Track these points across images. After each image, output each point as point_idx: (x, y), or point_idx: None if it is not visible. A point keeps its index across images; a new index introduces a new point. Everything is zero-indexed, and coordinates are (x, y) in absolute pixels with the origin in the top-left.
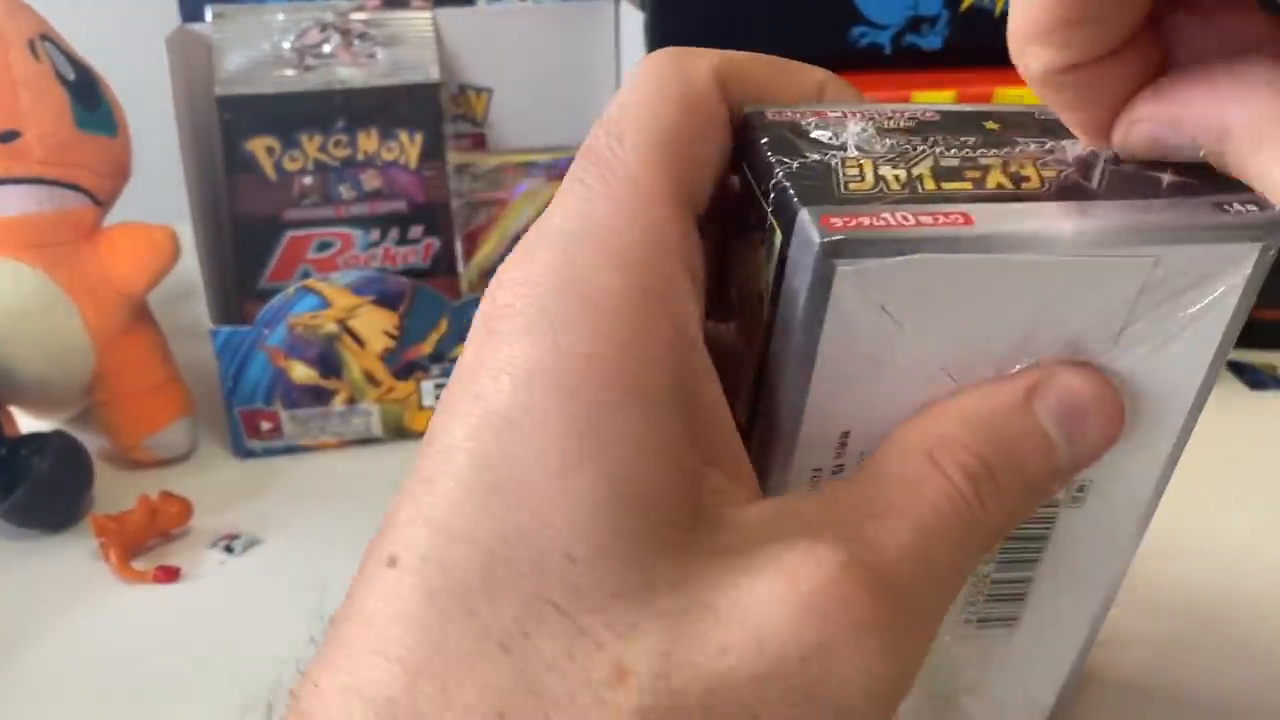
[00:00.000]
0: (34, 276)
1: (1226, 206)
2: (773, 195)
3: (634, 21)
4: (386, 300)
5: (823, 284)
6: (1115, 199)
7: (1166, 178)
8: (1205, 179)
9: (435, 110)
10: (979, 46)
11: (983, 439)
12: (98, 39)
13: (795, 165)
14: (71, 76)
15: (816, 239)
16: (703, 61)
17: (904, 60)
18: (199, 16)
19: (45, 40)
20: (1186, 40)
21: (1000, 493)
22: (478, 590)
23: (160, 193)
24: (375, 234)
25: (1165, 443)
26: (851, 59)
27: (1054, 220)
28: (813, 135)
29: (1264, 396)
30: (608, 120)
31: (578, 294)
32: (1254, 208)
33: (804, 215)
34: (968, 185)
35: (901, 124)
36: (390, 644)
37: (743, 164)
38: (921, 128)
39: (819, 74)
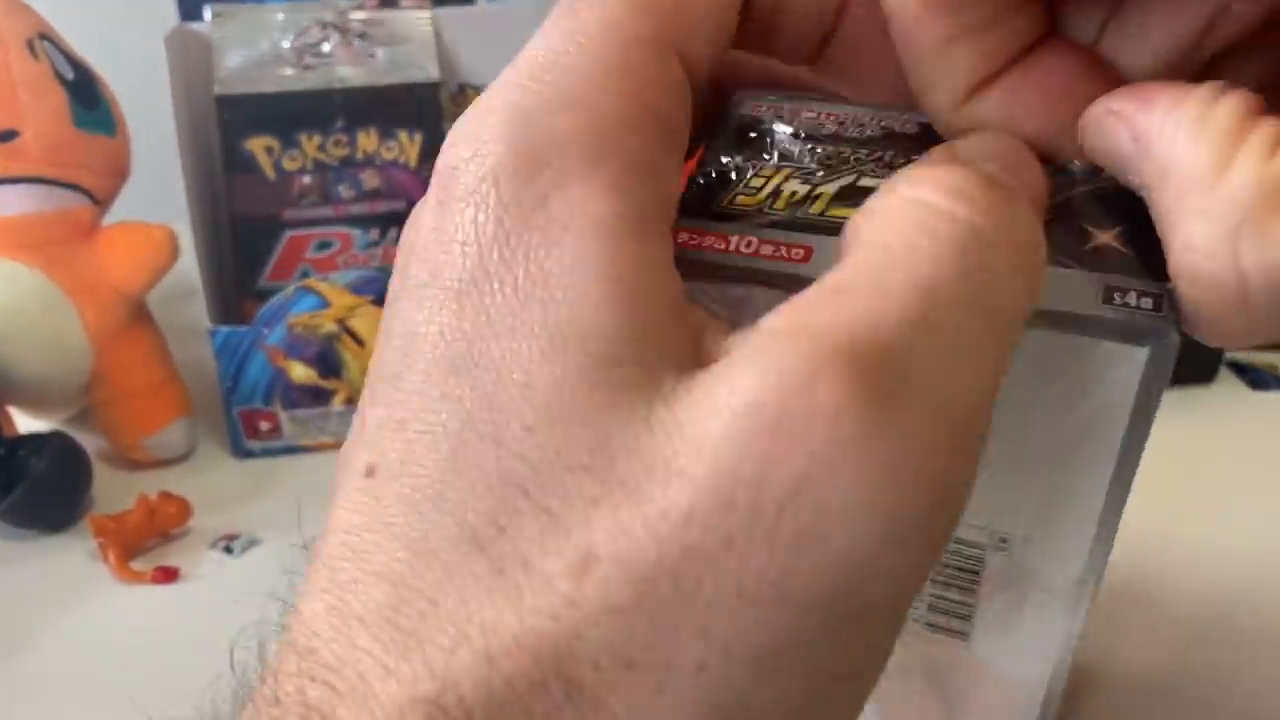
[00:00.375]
0: (32, 276)
1: (1120, 295)
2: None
3: None
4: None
5: None
6: None
7: (1102, 237)
8: (1138, 243)
9: (435, 110)
10: None
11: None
12: (96, 38)
13: (711, 169)
14: (70, 76)
15: None
16: None
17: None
18: (198, 15)
19: (44, 39)
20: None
21: (1008, 197)
22: (452, 486)
23: (159, 192)
24: (374, 233)
25: (1087, 523)
26: None
27: None
28: (759, 134)
29: (1265, 396)
30: None
31: (524, 138)
32: (1148, 302)
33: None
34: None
35: (868, 132)
36: (376, 560)
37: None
38: (884, 141)
39: None
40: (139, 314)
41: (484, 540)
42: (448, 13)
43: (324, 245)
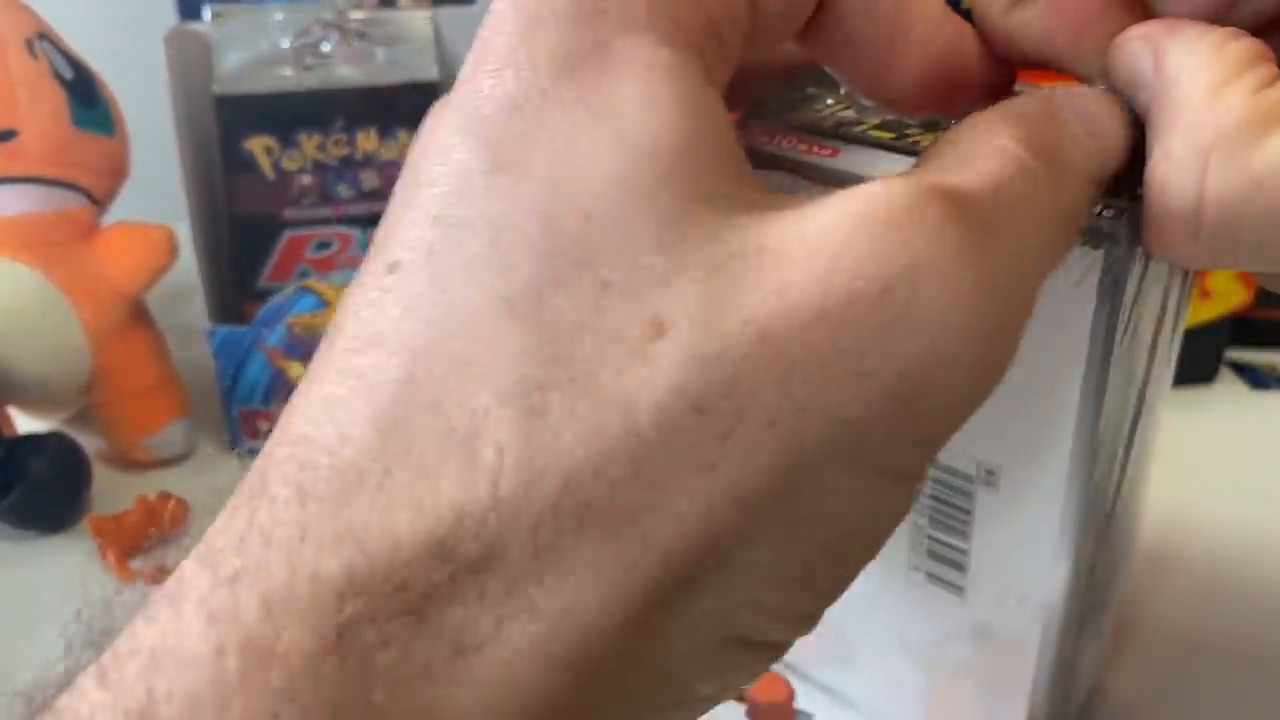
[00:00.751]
0: (31, 276)
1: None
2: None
3: None
4: None
5: None
6: None
7: None
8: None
9: None
10: None
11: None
12: (95, 38)
13: (788, 92)
14: (69, 75)
15: None
16: None
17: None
18: (197, 15)
19: (43, 39)
20: None
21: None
22: (485, 261)
23: (158, 192)
24: (374, 233)
25: (1064, 436)
26: None
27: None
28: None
29: (1265, 396)
30: None
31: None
32: (1110, 213)
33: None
34: (891, 135)
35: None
36: (389, 335)
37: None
38: (931, 124)
39: None
40: (138, 314)
41: (523, 305)
42: (447, 12)
43: (323, 245)
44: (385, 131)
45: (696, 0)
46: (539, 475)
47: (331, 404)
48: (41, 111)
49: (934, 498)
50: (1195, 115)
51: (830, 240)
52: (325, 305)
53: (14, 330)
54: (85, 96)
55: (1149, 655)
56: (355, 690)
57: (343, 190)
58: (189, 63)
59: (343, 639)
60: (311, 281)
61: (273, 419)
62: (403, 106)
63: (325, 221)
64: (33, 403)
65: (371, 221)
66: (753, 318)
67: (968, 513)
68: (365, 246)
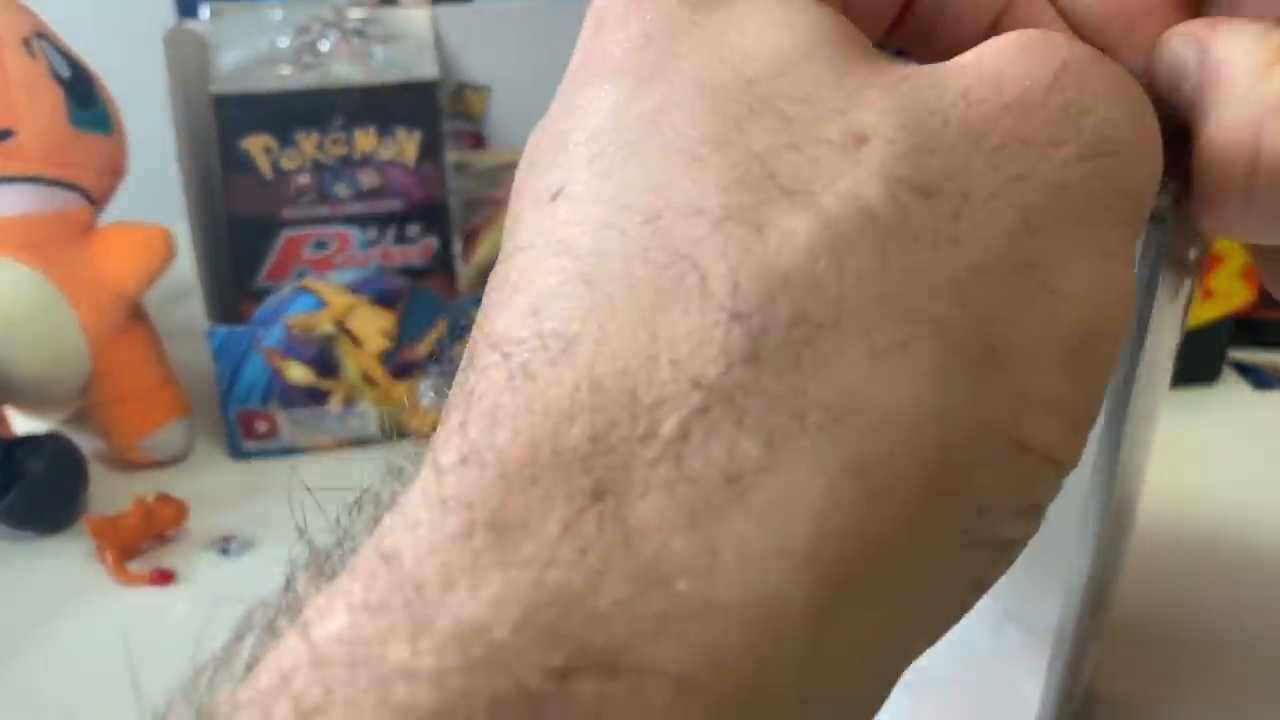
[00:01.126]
0: (29, 276)
1: None
2: None
3: None
4: (384, 300)
5: None
6: None
7: None
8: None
9: (433, 108)
10: None
11: None
12: (93, 37)
13: None
14: (67, 74)
15: None
16: None
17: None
18: (195, 14)
19: (40, 38)
20: None
21: None
22: (654, 139)
23: (156, 192)
24: (373, 233)
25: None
26: None
27: None
28: None
29: (1268, 396)
30: None
31: None
32: (1160, 195)
33: None
34: None
35: None
36: (572, 241)
37: None
38: None
39: None
40: (136, 314)
41: (721, 138)
42: (446, 11)
43: (321, 245)
44: (384, 131)
45: None
46: (780, 282)
47: (539, 291)
48: (39, 111)
49: None
50: (1246, 89)
51: (989, 61)
52: (323, 305)
53: (11, 330)
54: (83, 96)
55: (1149, 655)
56: (620, 547)
57: (341, 190)
58: (187, 62)
59: (599, 498)
60: (310, 281)
61: (271, 419)
62: (401, 105)
63: (323, 221)
64: (30, 403)
65: (370, 221)
66: (949, 116)
67: None
68: (364, 246)
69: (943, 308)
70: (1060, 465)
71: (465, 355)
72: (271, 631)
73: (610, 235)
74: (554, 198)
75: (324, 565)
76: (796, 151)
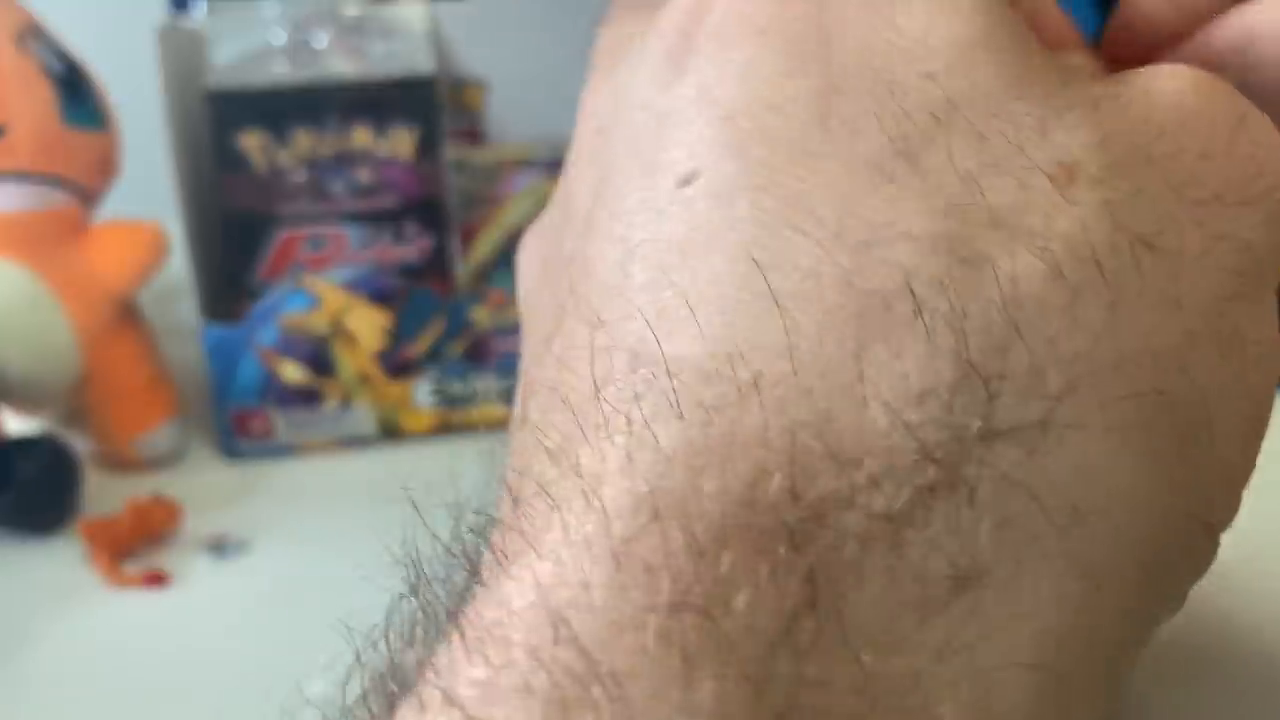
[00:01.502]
0: (20, 274)
1: None
2: None
3: None
4: (380, 299)
5: None
6: None
7: None
8: None
9: (431, 104)
10: None
11: None
12: (86, 33)
13: None
14: (59, 71)
15: None
16: None
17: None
18: (189, 9)
19: (33, 34)
20: None
21: None
22: (819, 136)
23: (149, 189)
24: (369, 231)
25: None
26: None
27: None
28: None
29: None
30: None
31: None
32: None
33: None
34: None
35: None
36: (720, 237)
37: None
38: None
39: None
40: (128, 313)
41: (888, 166)
42: (444, 7)
43: (317, 243)
44: (381, 127)
45: None
46: (1012, 333)
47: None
48: (31, 107)
49: None
50: None
51: (1171, 97)
52: (318, 304)
53: (2, 329)
54: (75, 92)
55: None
56: (840, 653)
57: (337, 187)
58: (181, 58)
59: (810, 581)
60: (305, 280)
61: (265, 419)
62: (399, 101)
63: (319, 218)
64: (21, 402)
65: (366, 218)
66: (1152, 156)
67: None
68: (360, 244)
69: (1169, 379)
70: (1220, 530)
71: (578, 368)
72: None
73: (798, 246)
74: (685, 183)
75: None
76: (1003, 176)
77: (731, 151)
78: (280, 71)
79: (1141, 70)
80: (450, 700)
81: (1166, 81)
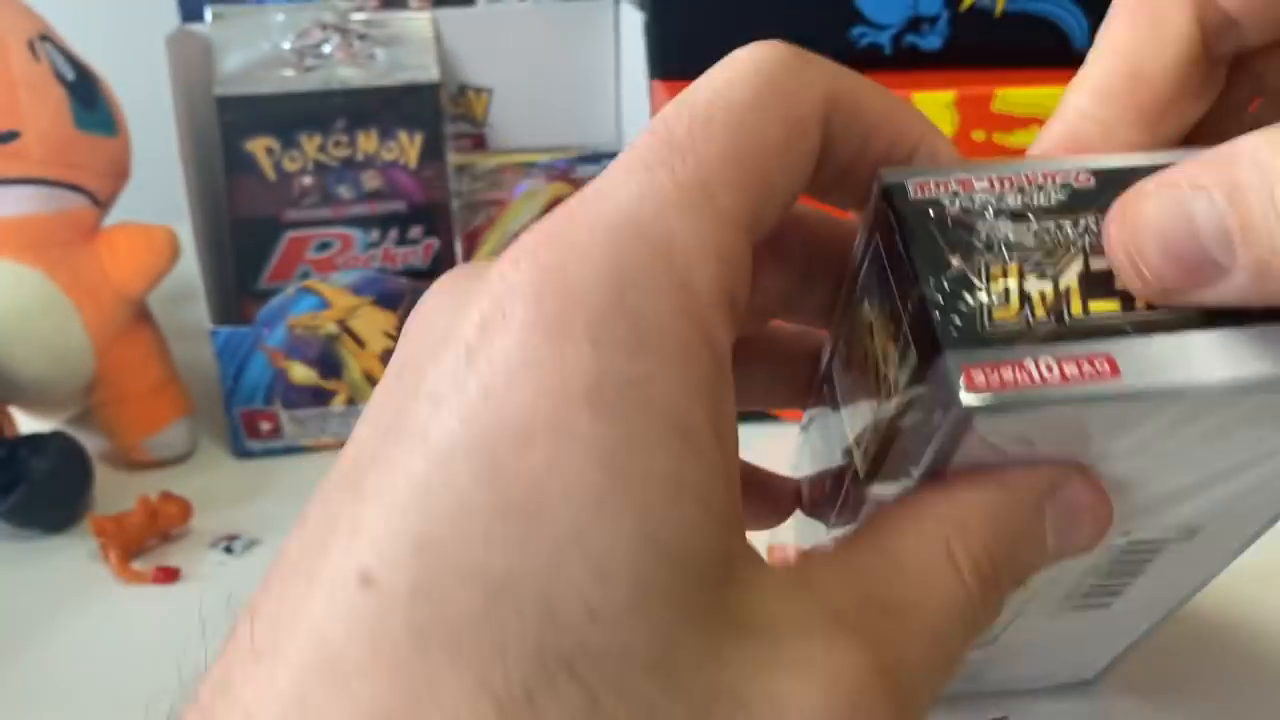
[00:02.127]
0: (33, 277)
1: None
2: (911, 310)
3: (634, 21)
4: (386, 301)
5: (960, 428)
6: (1257, 322)
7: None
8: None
9: (435, 110)
10: (979, 46)
11: (996, 538)
12: (97, 39)
13: (937, 279)
14: (71, 76)
15: (960, 399)
16: (816, 80)
17: (904, 60)
18: (198, 16)
19: (45, 40)
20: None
21: (997, 591)
22: (476, 637)
23: (159, 193)
24: (375, 234)
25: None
26: (851, 59)
27: (1205, 367)
28: (955, 220)
29: None
30: (693, 103)
31: (623, 304)
32: None
33: (948, 363)
34: (1115, 306)
35: (1052, 198)
36: (360, 690)
37: (875, 239)
38: (1073, 201)
39: (920, 124)
40: (140, 315)
41: (509, 704)
42: (448, 14)
43: (324, 246)
44: (386, 132)
45: (723, 299)
46: None
47: None
48: (43, 113)
49: (1118, 560)
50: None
51: (797, 714)
52: (326, 305)
53: (16, 331)
54: (87, 98)
55: (1149, 655)
56: None
57: (344, 191)
58: (190, 64)
59: None
60: (312, 282)
61: (274, 419)
62: (404, 107)
63: (326, 222)
64: (35, 403)
65: (372, 222)
66: None
67: (1148, 563)
68: (366, 247)
69: None
70: None
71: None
72: None
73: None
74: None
75: None
76: None
77: (398, 574)
78: (288, 78)
79: (786, 663)
80: None
81: (800, 695)
